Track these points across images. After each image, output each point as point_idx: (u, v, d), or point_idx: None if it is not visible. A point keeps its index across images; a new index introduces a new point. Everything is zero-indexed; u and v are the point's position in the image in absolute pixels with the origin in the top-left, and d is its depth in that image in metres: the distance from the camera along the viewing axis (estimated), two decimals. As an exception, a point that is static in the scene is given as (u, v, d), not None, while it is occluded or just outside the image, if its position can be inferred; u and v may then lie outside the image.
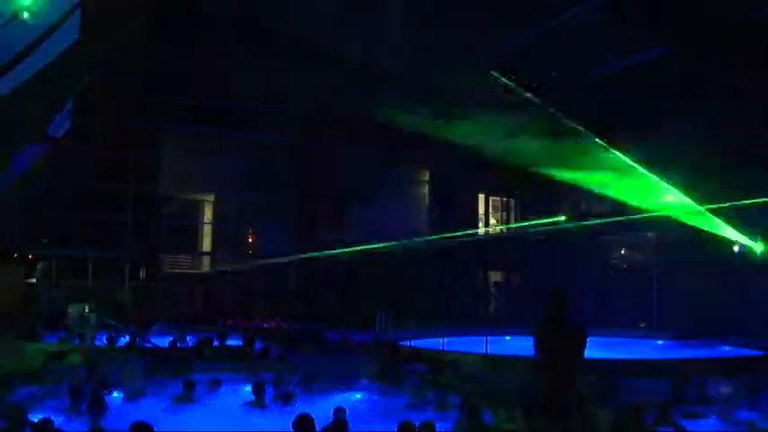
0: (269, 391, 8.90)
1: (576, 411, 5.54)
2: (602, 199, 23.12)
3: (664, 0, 15.03)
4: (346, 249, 24.04)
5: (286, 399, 8.53)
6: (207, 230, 27.67)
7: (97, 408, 7.49)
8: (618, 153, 19.24)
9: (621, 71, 18.07)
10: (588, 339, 5.74)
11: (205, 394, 9.25)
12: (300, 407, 8.12)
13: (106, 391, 8.33)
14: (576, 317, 5.74)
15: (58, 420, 7.35)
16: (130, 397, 8.77)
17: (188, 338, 15.31)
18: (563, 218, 22.65)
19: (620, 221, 21.77)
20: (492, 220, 28.62)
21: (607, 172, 19.55)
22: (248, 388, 9.09)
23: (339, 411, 7.03)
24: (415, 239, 26.39)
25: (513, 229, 27.60)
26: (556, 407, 5.39)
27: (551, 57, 18.29)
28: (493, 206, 28.58)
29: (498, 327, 18.86)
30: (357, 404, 8.86)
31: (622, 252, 21.67)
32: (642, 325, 19.57)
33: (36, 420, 6.21)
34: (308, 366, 10.31)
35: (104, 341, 14.22)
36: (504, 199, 28.29)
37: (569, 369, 5.55)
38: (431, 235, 26.54)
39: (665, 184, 18.52)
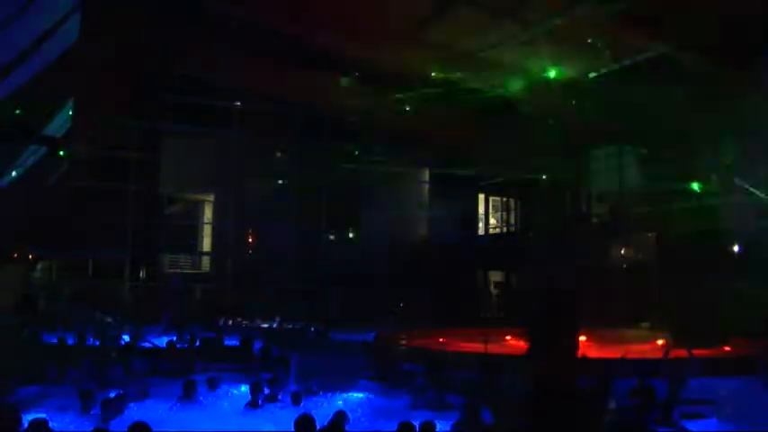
0: (266, 392, 8.90)
1: (575, 411, 5.52)
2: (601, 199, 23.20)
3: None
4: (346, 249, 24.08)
5: (294, 399, 8.53)
6: (207, 230, 27.69)
7: (111, 409, 7.49)
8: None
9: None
10: (581, 336, 5.64)
11: (205, 394, 9.26)
12: (300, 407, 8.14)
13: (116, 394, 8.31)
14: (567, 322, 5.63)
15: (64, 421, 7.39)
16: (132, 397, 8.76)
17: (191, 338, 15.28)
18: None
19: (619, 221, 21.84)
20: (492, 220, 28.63)
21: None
22: (245, 388, 9.09)
23: (339, 416, 7.00)
24: (415, 239, 26.46)
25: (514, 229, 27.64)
26: (552, 407, 5.37)
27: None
28: (493, 206, 28.59)
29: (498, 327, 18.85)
30: (357, 404, 8.87)
31: (622, 252, 21.66)
32: (643, 325, 19.54)
33: (31, 420, 6.19)
34: (308, 366, 10.31)
35: (104, 341, 14.22)
36: (504, 199, 28.30)
37: (566, 366, 5.49)
38: (430, 235, 26.61)
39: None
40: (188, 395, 8.75)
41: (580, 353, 5.69)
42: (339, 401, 8.73)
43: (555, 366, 5.41)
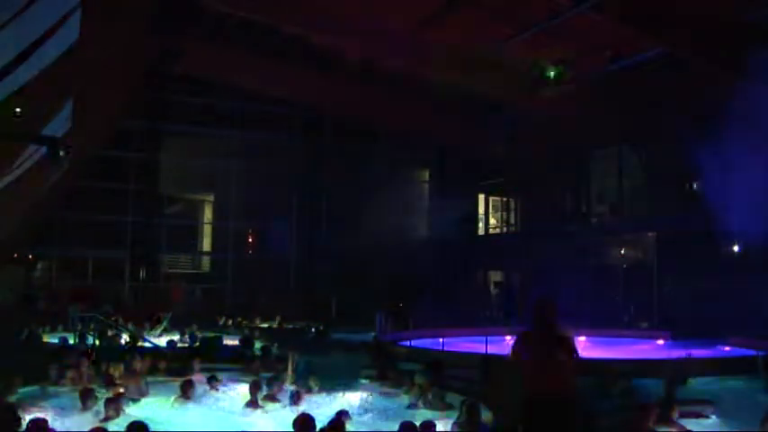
0: (266, 391, 8.89)
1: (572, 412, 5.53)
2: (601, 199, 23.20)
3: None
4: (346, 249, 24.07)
5: (294, 399, 8.53)
6: (207, 230, 27.71)
7: (111, 409, 7.50)
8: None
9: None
10: (574, 347, 5.52)
11: (204, 394, 9.25)
12: (300, 407, 8.13)
13: (116, 393, 8.31)
14: (564, 324, 5.56)
15: (64, 421, 7.38)
16: (131, 397, 8.76)
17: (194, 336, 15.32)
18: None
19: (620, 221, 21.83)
20: (492, 220, 28.63)
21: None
22: (245, 387, 9.09)
23: (342, 414, 7.00)
24: (416, 239, 26.45)
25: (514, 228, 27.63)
26: (549, 407, 5.38)
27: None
28: (493, 206, 28.59)
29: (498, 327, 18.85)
30: (357, 404, 8.86)
31: (622, 252, 21.67)
32: (643, 325, 19.56)
33: (31, 420, 6.19)
34: (308, 366, 10.31)
35: (105, 340, 14.24)
36: (504, 199, 28.31)
37: (560, 374, 5.46)
38: (431, 235, 26.59)
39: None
40: (186, 394, 8.75)
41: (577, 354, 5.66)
42: (339, 401, 8.72)
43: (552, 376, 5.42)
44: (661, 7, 14.64)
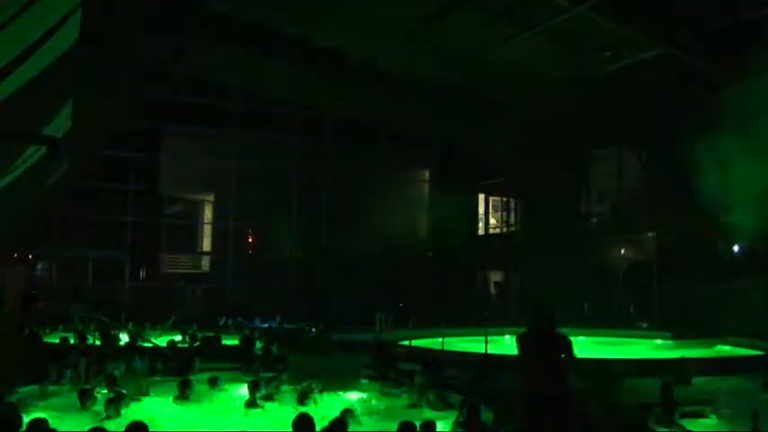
0: (265, 391, 8.89)
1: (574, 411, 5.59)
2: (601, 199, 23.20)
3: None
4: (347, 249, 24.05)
5: (300, 399, 8.52)
6: (207, 230, 27.70)
7: (110, 408, 7.51)
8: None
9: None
10: (571, 348, 5.87)
11: (204, 394, 9.26)
12: (304, 407, 8.14)
13: (116, 393, 8.31)
14: (560, 329, 5.88)
15: (64, 421, 7.38)
16: (131, 396, 8.76)
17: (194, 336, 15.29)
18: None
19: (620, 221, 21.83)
20: (492, 220, 28.63)
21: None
22: (244, 387, 9.09)
23: (346, 413, 6.99)
24: (416, 239, 26.43)
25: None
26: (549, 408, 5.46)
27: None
28: (493, 206, 28.59)
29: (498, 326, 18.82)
30: (357, 404, 8.86)
31: (622, 252, 21.67)
32: (643, 325, 19.56)
33: (31, 420, 6.19)
34: (308, 366, 10.31)
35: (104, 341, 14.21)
36: (504, 199, 28.32)
37: (558, 374, 5.65)
38: (431, 235, 26.59)
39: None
40: (185, 394, 8.75)
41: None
42: (339, 401, 8.73)
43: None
44: (660, 7, 14.66)
